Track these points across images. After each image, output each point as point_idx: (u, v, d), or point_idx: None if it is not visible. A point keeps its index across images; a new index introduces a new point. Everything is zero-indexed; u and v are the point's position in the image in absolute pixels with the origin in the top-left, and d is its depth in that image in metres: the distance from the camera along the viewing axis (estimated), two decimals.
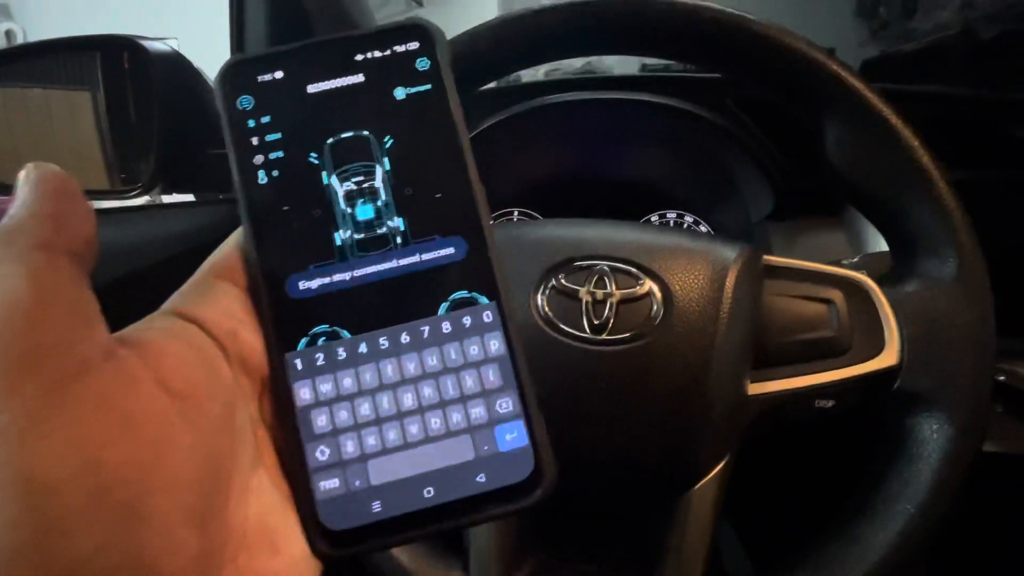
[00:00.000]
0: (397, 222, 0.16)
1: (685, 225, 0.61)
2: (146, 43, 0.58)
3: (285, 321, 0.15)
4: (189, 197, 0.66)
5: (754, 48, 0.29)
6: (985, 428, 0.26)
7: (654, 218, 0.61)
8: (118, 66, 0.66)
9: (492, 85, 0.57)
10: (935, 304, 0.27)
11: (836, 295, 0.28)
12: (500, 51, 0.32)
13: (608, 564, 0.30)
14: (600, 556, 0.30)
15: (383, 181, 0.16)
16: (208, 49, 0.68)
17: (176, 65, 0.61)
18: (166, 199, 0.69)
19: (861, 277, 0.28)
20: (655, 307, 0.27)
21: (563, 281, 0.28)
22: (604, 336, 0.27)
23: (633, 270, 0.28)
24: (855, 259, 0.40)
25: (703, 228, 0.60)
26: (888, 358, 0.27)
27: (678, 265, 0.28)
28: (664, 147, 0.53)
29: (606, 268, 0.28)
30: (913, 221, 0.28)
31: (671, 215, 0.61)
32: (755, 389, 0.27)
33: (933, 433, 0.26)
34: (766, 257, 0.29)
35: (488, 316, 0.16)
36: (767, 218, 0.51)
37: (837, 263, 0.43)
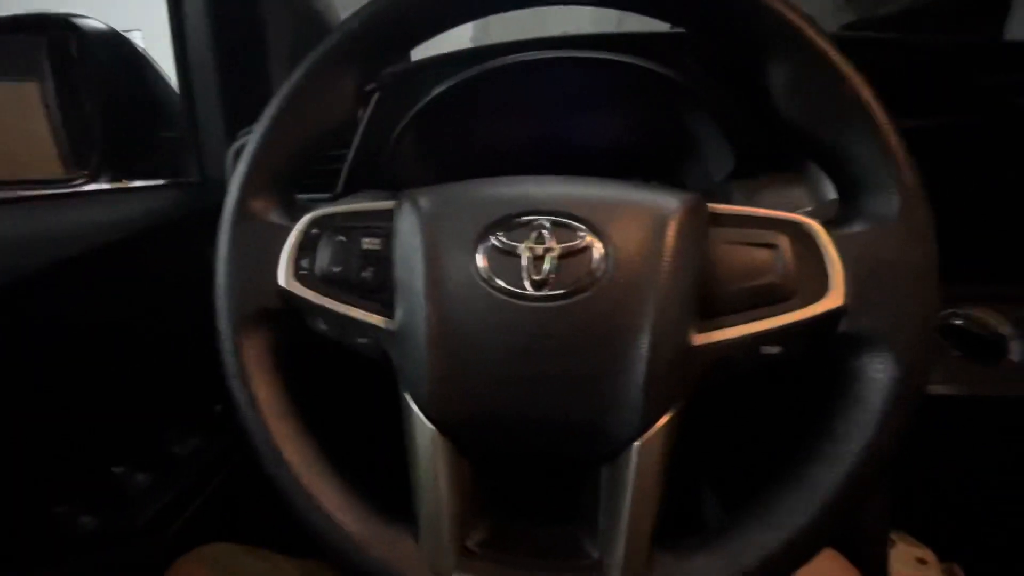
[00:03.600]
0: None
1: None
2: (80, 22, 0.56)
3: None
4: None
5: None
6: (929, 366, 0.26)
7: None
8: (66, 54, 0.63)
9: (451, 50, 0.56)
10: (879, 244, 0.26)
11: (781, 239, 0.27)
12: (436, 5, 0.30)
13: (562, 523, 0.29)
14: (554, 516, 0.30)
15: None
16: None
17: (116, 45, 0.58)
18: (138, 183, 0.67)
19: (805, 220, 0.27)
20: (596, 260, 0.26)
21: (502, 238, 0.27)
22: (545, 292, 0.26)
23: (573, 223, 0.27)
24: (809, 209, 0.39)
25: None
26: (833, 300, 0.26)
27: (619, 216, 0.27)
28: (623, 107, 0.52)
29: (545, 223, 0.27)
30: (857, 161, 0.27)
31: (637, 180, 0.60)
32: (701, 339, 0.26)
33: (878, 373, 0.26)
34: (711, 205, 0.28)
35: None
36: (729, 176, 0.51)
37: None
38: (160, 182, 0.62)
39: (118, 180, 0.61)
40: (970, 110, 0.49)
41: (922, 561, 0.55)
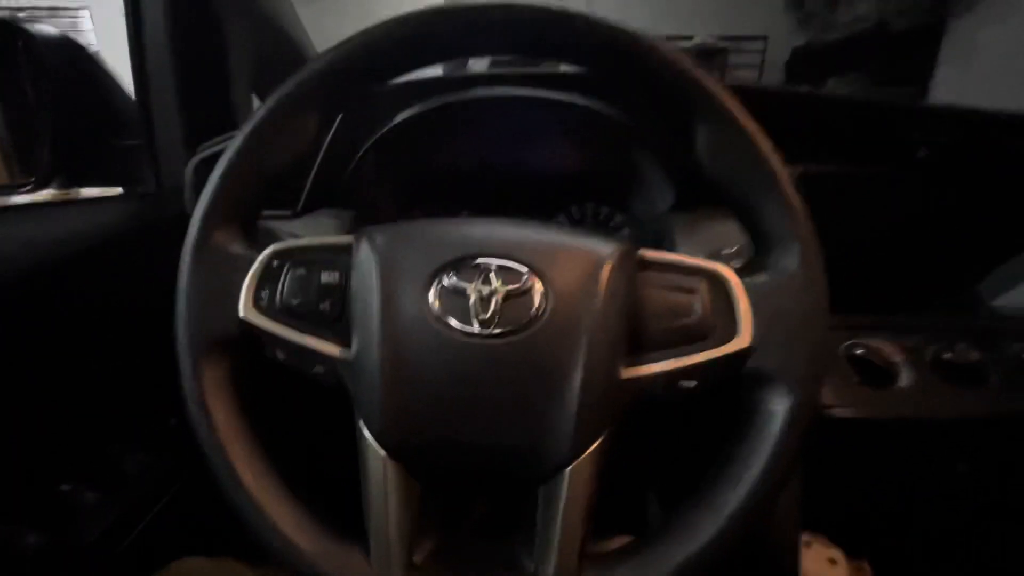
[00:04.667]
0: None
1: (601, 216, 0.64)
2: (28, 25, 0.54)
3: None
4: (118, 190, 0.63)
5: (627, 54, 0.31)
6: (818, 398, 0.30)
7: (573, 210, 0.64)
8: (11, 57, 0.61)
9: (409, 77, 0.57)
10: (780, 291, 0.30)
11: (701, 285, 0.31)
12: (408, 46, 0.32)
13: (502, 540, 0.32)
14: (495, 533, 0.33)
15: None
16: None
17: (67, 49, 0.57)
18: (87, 192, 0.65)
19: (721, 269, 0.31)
20: (537, 301, 0.29)
21: (453, 279, 0.29)
22: (491, 330, 0.29)
23: (517, 267, 0.29)
24: (734, 248, 0.44)
25: (618, 218, 0.63)
26: (742, 341, 0.30)
27: (559, 261, 0.30)
28: (574, 141, 0.55)
29: (492, 265, 0.29)
30: (764, 218, 0.31)
31: (588, 207, 0.63)
32: (628, 374, 0.30)
33: (775, 405, 0.29)
34: (640, 251, 0.31)
35: None
36: (672, 208, 0.55)
37: (718, 252, 0.47)
38: (114, 191, 0.61)
39: (68, 187, 0.60)
40: (880, 160, 0.55)
41: (832, 561, 0.61)
